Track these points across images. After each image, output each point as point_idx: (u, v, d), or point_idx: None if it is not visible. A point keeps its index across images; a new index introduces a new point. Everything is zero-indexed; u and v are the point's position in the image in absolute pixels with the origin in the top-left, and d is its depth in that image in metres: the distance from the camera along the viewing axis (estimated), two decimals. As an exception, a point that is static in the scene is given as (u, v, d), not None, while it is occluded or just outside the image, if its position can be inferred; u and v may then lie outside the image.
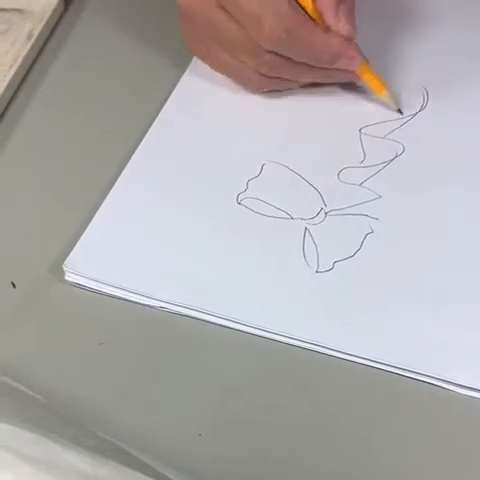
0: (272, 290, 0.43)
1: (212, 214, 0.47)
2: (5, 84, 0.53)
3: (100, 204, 0.47)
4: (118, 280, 0.44)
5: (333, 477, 0.38)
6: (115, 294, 0.44)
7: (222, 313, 0.42)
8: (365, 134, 0.50)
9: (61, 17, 0.58)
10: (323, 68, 0.49)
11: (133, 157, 0.49)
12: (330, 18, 0.48)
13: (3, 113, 0.53)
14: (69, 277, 0.44)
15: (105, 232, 0.46)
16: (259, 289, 0.43)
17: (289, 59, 0.48)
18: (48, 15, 0.57)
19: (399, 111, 0.50)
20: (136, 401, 0.40)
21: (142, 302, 0.43)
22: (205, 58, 0.51)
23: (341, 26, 0.48)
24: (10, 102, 0.53)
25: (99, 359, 0.41)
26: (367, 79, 0.50)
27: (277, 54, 0.48)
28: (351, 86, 0.52)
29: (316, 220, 0.46)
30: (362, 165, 0.48)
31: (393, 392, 0.40)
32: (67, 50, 0.56)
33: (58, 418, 0.34)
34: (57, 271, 0.44)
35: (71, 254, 0.45)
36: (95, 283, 0.44)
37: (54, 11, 0.57)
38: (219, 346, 0.42)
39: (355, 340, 0.41)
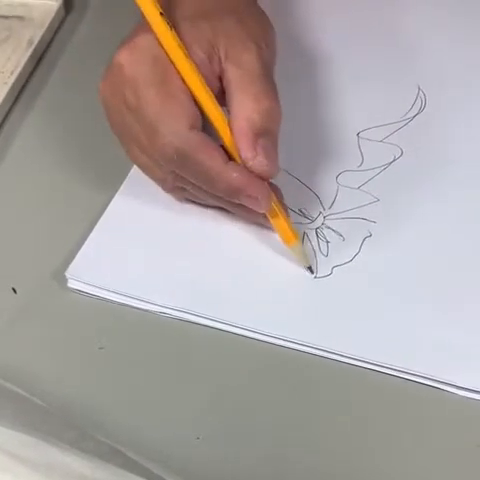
0: (271, 295, 0.43)
1: (211, 219, 0.47)
2: (6, 90, 0.53)
3: (102, 212, 0.47)
4: (119, 286, 0.44)
5: (332, 478, 0.38)
6: (116, 300, 0.44)
7: (221, 317, 0.43)
8: (363, 138, 0.50)
9: (61, 24, 0.59)
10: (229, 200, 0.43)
11: (134, 167, 0.49)
12: (245, 151, 0.42)
13: (4, 119, 0.53)
14: (71, 284, 0.45)
15: (106, 240, 0.46)
16: (258, 294, 0.44)
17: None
18: (48, 22, 0.57)
19: (309, 269, 0.44)
20: (134, 404, 0.40)
21: (142, 307, 0.44)
22: (126, 151, 0.46)
23: (257, 162, 0.41)
24: (11, 108, 0.54)
25: (99, 363, 0.42)
26: (276, 226, 0.44)
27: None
28: (348, 91, 0.52)
29: (315, 224, 0.46)
30: (360, 169, 0.49)
31: (392, 394, 0.40)
32: (67, 57, 0.57)
33: (57, 422, 0.34)
34: (60, 278, 0.45)
35: (73, 261, 0.45)
36: (97, 289, 0.44)
37: (54, 18, 0.58)
38: (218, 350, 0.42)
39: (355, 343, 0.41)
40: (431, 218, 0.46)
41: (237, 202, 0.43)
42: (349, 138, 0.50)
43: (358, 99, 0.52)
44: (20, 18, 0.58)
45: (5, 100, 0.53)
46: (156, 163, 0.44)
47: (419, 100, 0.51)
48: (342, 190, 0.48)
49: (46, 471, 0.30)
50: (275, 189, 0.44)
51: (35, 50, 0.56)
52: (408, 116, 0.51)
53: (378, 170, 0.48)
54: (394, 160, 0.49)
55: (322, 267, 0.44)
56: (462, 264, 0.44)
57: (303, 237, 0.46)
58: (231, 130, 0.42)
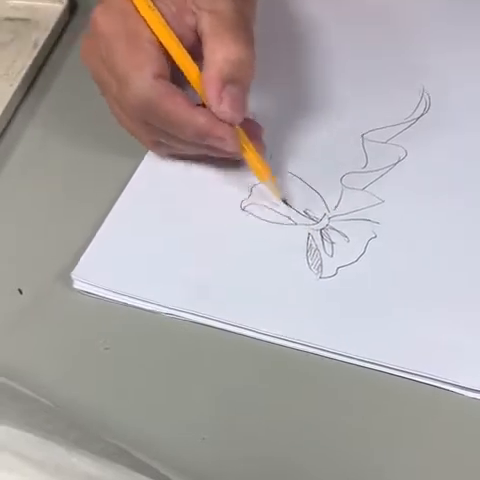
0: (276, 296, 0.44)
1: (216, 221, 0.47)
2: (12, 92, 0.54)
3: (107, 214, 0.47)
4: (124, 287, 0.44)
5: (337, 479, 0.38)
6: (121, 301, 0.44)
7: (227, 319, 0.43)
8: (368, 139, 0.50)
9: (66, 26, 0.59)
10: (203, 144, 0.45)
11: (139, 167, 0.50)
12: (211, 98, 0.44)
13: (11, 119, 0.53)
14: (77, 285, 0.45)
15: (112, 241, 0.46)
16: (264, 295, 0.44)
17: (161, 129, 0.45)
18: (53, 24, 0.57)
19: (284, 201, 0.46)
20: (140, 405, 0.40)
21: (148, 308, 0.44)
22: (108, 106, 0.48)
23: (221, 110, 0.43)
24: (17, 110, 0.54)
25: (104, 364, 0.42)
26: (250, 163, 0.46)
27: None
28: (352, 92, 0.52)
29: (319, 225, 0.46)
30: (365, 170, 0.49)
31: (397, 395, 0.40)
32: (72, 59, 0.57)
33: (63, 421, 0.34)
34: (65, 279, 0.45)
35: (79, 263, 0.45)
36: (102, 291, 0.44)
37: (59, 21, 0.58)
38: (223, 351, 0.42)
39: (359, 344, 0.41)
40: (435, 219, 0.46)
41: (207, 144, 0.45)
42: (354, 139, 0.50)
43: (363, 100, 0.52)
44: (25, 20, 0.59)
45: (11, 102, 0.53)
46: (129, 115, 0.46)
47: (423, 101, 0.52)
48: (347, 191, 0.48)
49: (53, 471, 0.30)
50: (254, 127, 0.47)
51: (40, 52, 0.56)
52: (413, 117, 0.51)
53: (383, 171, 0.48)
54: (399, 161, 0.49)
55: (327, 268, 0.44)
56: (466, 265, 0.44)
57: (308, 238, 0.46)
58: (202, 77, 0.44)
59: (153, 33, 0.44)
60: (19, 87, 0.54)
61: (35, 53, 0.56)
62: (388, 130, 0.50)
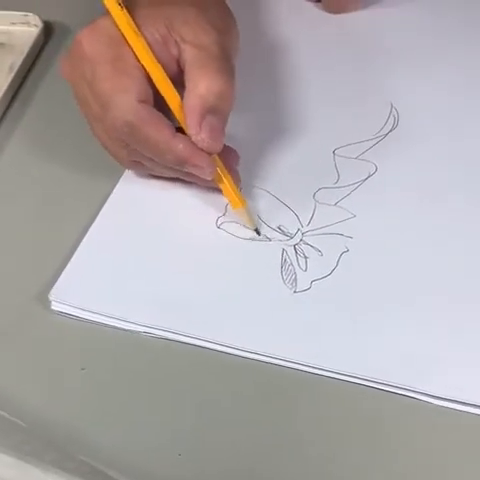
0: (252, 312, 0.44)
1: (193, 239, 0.48)
2: (-13, 115, 0.54)
3: (84, 234, 0.48)
4: (102, 308, 0.45)
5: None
6: (99, 321, 0.45)
7: (203, 335, 0.43)
8: (338, 155, 0.51)
9: (41, 50, 0.60)
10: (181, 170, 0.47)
11: (117, 186, 0.50)
12: (191, 127, 0.45)
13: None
14: (55, 306, 0.45)
15: (89, 261, 0.47)
16: (239, 311, 0.44)
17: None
18: (28, 48, 0.58)
19: (256, 231, 0.47)
20: (116, 424, 0.41)
21: (126, 327, 0.44)
22: (89, 126, 0.49)
23: (200, 139, 0.45)
24: (-7, 132, 0.55)
25: (81, 383, 0.42)
26: (224, 192, 0.48)
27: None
28: (323, 109, 0.53)
29: (293, 241, 0.47)
30: (336, 186, 0.50)
31: (370, 405, 0.41)
32: (48, 82, 0.58)
33: (39, 442, 0.34)
34: (43, 300, 0.45)
35: (56, 284, 0.46)
36: (80, 311, 0.45)
37: (34, 45, 0.59)
38: (199, 368, 0.43)
39: (334, 356, 0.42)
40: (406, 232, 0.47)
41: (186, 171, 0.46)
42: (325, 156, 0.51)
43: (333, 117, 0.53)
44: (1, 45, 0.59)
45: (-13, 124, 0.54)
46: (111, 137, 0.46)
47: (392, 117, 0.53)
48: (319, 207, 0.49)
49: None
50: (231, 155, 0.48)
51: (16, 76, 0.57)
52: (382, 133, 0.52)
53: (354, 186, 0.49)
54: (369, 176, 0.50)
55: (301, 282, 0.45)
56: (437, 277, 0.45)
57: (282, 253, 0.47)
58: (183, 106, 0.45)
59: (138, 59, 0.45)
60: (-5, 109, 0.55)
61: (11, 77, 0.57)
62: (358, 146, 0.51)
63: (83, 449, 0.37)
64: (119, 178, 0.51)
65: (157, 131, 0.45)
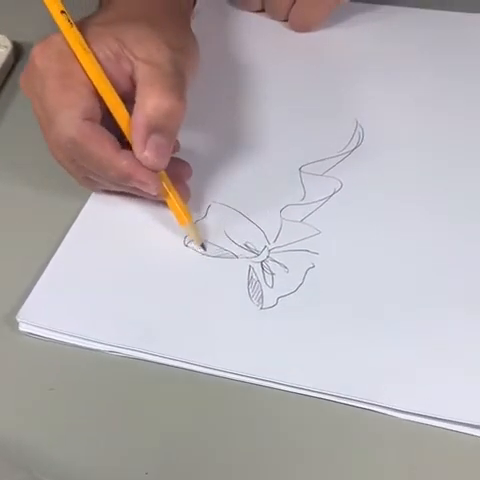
0: (219, 328, 0.44)
1: (161, 258, 0.48)
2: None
3: (52, 254, 0.48)
4: (69, 328, 0.45)
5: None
6: (67, 341, 0.45)
7: (170, 354, 0.43)
8: (305, 172, 0.52)
9: (11, 71, 0.60)
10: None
11: (85, 206, 0.51)
12: (135, 145, 0.45)
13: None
14: (23, 327, 0.45)
15: (57, 282, 0.47)
16: (206, 329, 0.44)
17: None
18: (-3, 70, 0.59)
19: (202, 246, 0.48)
20: (84, 444, 0.41)
21: (94, 347, 0.44)
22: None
23: (144, 156, 0.45)
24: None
25: (49, 405, 0.42)
26: (171, 208, 0.48)
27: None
28: (289, 126, 0.53)
29: (260, 258, 0.48)
30: (303, 202, 0.50)
31: (333, 420, 0.41)
32: (17, 103, 0.58)
33: (7, 464, 0.34)
34: (11, 322, 0.45)
35: (24, 305, 0.46)
36: (48, 332, 0.45)
37: (4, 65, 0.59)
38: (167, 387, 0.43)
39: (300, 373, 0.42)
40: (371, 248, 0.47)
41: (132, 186, 0.46)
42: (292, 173, 0.52)
43: (299, 134, 0.54)
44: (-30, 66, 0.60)
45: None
46: (59, 153, 0.47)
47: (357, 134, 0.53)
48: (286, 224, 0.49)
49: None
50: (183, 169, 0.49)
51: (-15, 97, 0.57)
52: (347, 150, 0.53)
53: (319, 203, 0.50)
54: (334, 193, 0.50)
55: (268, 298, 0.46)
56: (403, 292, 0.45)
57: (249, 270, 0.47)
58: (130, 123, 0.45)
59: (87, 76, 0.46)
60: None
61: (-20, 98, 0.57)
62: (324, 163, 0.52)
63: (50, 470, 0.37)
64: (88, 197, 0.51)
65: (100, 148, 0.45)
